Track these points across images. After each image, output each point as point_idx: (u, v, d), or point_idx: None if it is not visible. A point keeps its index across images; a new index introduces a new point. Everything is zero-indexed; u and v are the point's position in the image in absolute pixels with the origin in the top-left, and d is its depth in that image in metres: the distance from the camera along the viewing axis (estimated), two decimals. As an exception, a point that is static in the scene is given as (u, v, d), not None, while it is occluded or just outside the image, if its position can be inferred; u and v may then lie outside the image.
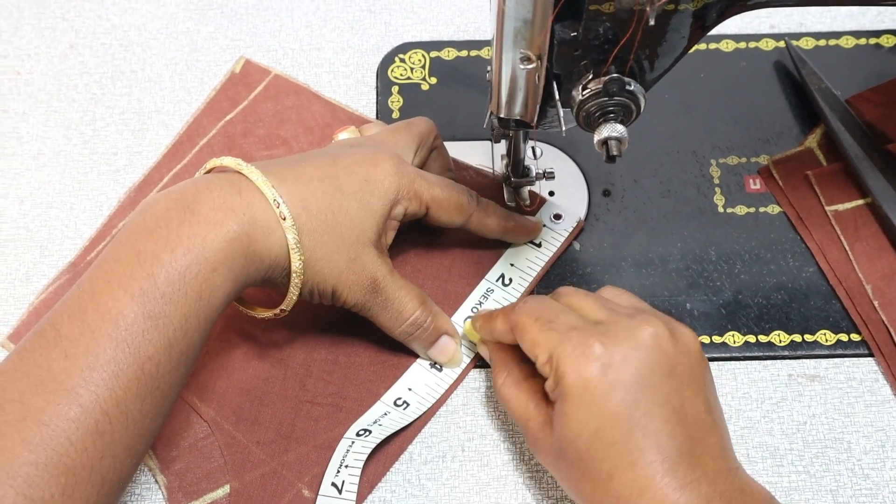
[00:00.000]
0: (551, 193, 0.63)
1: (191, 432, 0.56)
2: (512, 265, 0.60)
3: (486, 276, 0.60)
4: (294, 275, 0.50)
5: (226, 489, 0.54)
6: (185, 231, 0.47)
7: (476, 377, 0.58)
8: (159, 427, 0.47)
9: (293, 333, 0.59)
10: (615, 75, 0.44)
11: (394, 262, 0.56)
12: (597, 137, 0.46)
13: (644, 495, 0.44)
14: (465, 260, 0.61)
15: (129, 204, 0.63)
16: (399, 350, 0.57)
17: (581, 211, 0.63)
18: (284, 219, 0.49)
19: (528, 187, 0.62)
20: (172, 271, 0.46)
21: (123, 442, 0.44)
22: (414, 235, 0.61)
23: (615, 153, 0.45)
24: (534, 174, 0.60)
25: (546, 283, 0.60)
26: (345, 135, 0.59)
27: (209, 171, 0.53)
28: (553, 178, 0.60)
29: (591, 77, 0.45)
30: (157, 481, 0.54)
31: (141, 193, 0.64)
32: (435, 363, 0.57)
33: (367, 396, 0.57)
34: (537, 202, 0.62)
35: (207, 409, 0.56)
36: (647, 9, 0.40)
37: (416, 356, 0.58)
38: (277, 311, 0.52)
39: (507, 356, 0.54)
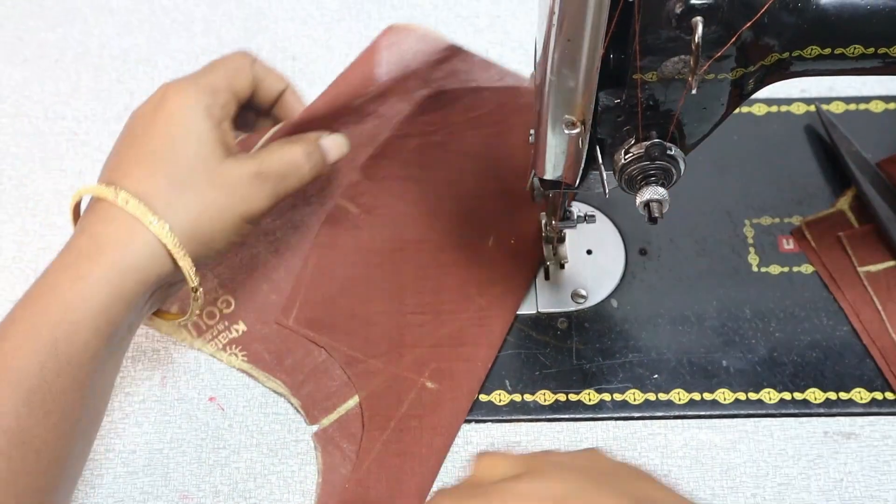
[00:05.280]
0: (589, 252, 0.65)
1: (311, 359, 0.61)
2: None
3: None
4: (175, 250, 0.50)
5: (355, 399, 0.59)
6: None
7: (474, 430, 0.59)
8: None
9: (382, 259, 0.64)
10: (657, 140, 0.46)
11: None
12: (639, 200, 0.47)
13: None
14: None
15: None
16: (480, 256, 0.63)
17: (618, 269, 0.64)
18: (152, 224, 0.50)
19: (565, 246, 0.64)
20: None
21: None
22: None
23: (657, 215, 0.47)
24: (575, 217, 0.61)
25: (585, 339, 0.62)
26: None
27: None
28: (594, 220, 0.61)
29: (633, 142, 0.47)
30: (292, 404, 0.59)
31: None
32: None
33: (462, 299, 0.62)
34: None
35: (321, 337, 0.61)
36: (689, 78, 0.42)
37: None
38: (184, 317, 0.55)
39: None
